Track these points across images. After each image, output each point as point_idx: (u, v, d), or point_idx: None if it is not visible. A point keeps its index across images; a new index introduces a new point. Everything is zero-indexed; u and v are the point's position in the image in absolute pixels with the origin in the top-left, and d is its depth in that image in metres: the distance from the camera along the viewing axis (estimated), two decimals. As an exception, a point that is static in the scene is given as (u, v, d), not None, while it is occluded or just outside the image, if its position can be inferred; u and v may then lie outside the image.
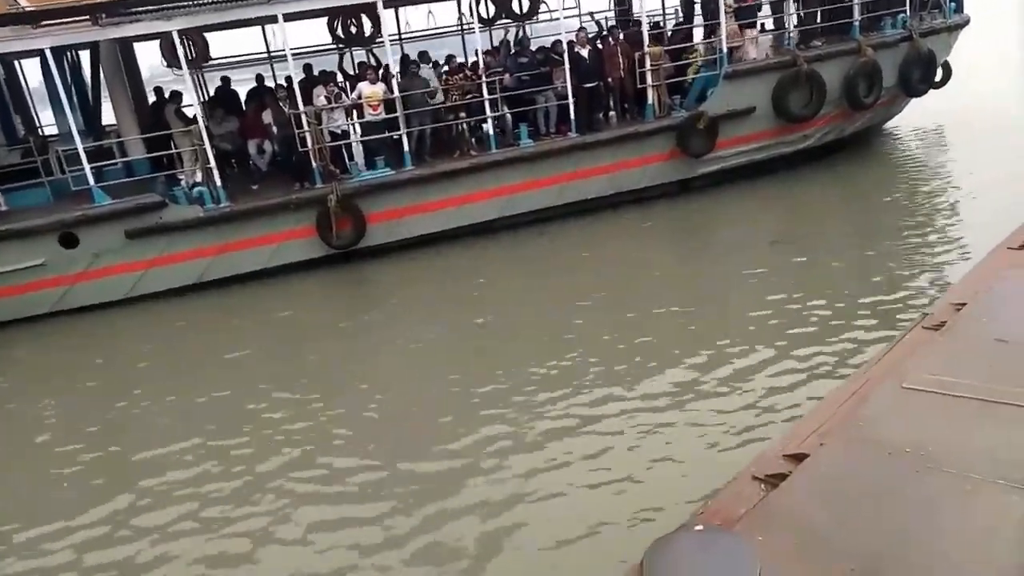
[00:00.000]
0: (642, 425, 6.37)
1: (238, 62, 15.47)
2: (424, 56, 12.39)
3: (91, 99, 11.90)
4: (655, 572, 2.27)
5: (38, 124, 14.26)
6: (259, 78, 14.37)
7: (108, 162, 11.20)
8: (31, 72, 14.39)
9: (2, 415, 8.28)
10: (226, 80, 13.83)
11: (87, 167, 10.41)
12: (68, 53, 12.71)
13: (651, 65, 12.62)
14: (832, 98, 13.34)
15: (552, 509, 5.49)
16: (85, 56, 13.57)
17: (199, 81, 14.57)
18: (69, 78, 11.57)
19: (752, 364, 7.12)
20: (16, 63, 13.42)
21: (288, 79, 11.29)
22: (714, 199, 12.97)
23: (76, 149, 10.49)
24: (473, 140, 12.79)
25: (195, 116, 11.36)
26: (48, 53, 10.04)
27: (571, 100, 12.38)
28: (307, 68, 13.55)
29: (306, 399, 7.65)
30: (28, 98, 14.09)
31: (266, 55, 15.57)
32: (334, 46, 15.68)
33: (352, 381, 8.01)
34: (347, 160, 12.19)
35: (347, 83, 12.87)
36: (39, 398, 8.51)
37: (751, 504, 2.87)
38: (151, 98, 13.49)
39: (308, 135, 11.27)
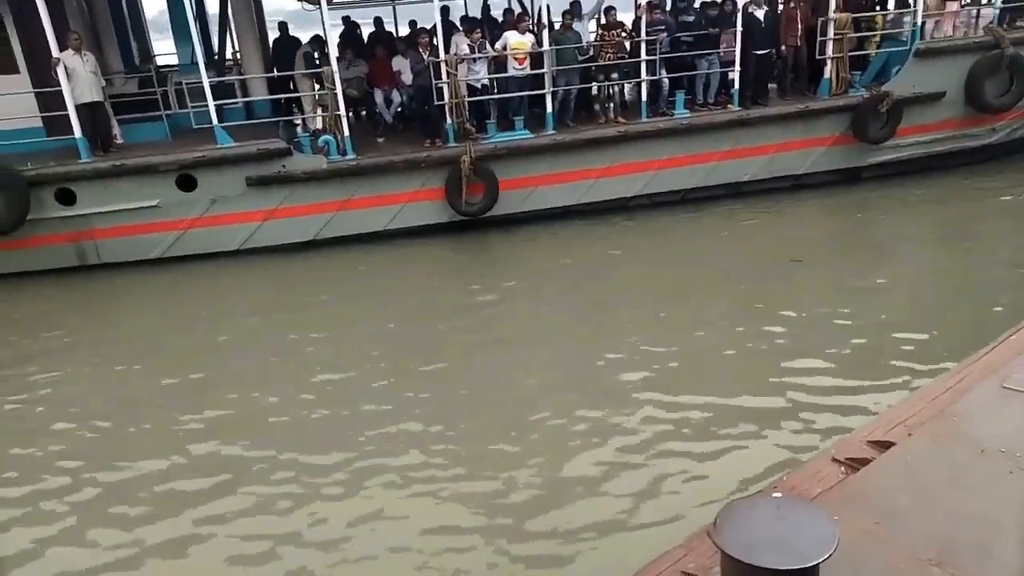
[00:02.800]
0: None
1: (355, 1, 14.33)
2: (576, 7, 11.04)
3: (218, 32, 10.99)
4: (728, 533, 2.13)
5: (153, 54, 13.53)
6: (378, 21, 13.30)
7: (230, 100, 10.28)
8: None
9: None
10: (351, 21, 12.78)
11: (211, 104, 9.53)
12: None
13: (834, 34, 11.01)
14: (1034, 87, 11.54)
15: None
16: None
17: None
18: (194, 6, 10.64)
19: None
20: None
21: (434, 25, 10.11)
22: (883, 194, 11.36)
23: (200, 83, 9.61)
24: (613, 106, 11.45)
25: (325, 57, 10.37)
26: (180, -26, 9.13)
27: (737, 68, 10.92)
28: (411, 23, 12.49)
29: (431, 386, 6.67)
30: (144, 25, 13.34)
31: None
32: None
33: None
34: (482, 119, 10.99)
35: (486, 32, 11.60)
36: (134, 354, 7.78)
37: (829, 485, 2.86)
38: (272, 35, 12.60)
39: (446, 87, 10.14)
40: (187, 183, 9.65)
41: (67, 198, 9.50)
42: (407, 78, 11.17)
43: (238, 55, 12.42)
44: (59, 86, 9.31)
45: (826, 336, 6.95)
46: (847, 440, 3.22)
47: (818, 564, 2.03)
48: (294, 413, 6.32)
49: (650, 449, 5.45)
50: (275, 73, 11.11)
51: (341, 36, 12.07)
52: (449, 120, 10.35)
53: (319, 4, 10.26)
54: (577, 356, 7.03)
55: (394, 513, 4.96)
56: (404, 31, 13.88)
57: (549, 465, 5.36)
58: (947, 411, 3.33)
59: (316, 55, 11.12)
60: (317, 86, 11.05)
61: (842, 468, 2.99)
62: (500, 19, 12.41)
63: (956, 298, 7.83)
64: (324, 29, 10.41)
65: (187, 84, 9.84)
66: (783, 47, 11.20)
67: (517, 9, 12.26)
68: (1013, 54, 11.18)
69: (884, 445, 3.11)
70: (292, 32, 11.97)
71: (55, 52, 9.20)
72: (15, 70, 10.24)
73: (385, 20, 13.70)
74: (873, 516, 2.66)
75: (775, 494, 2.50)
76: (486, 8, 12.59)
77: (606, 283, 8.90)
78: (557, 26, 10.91)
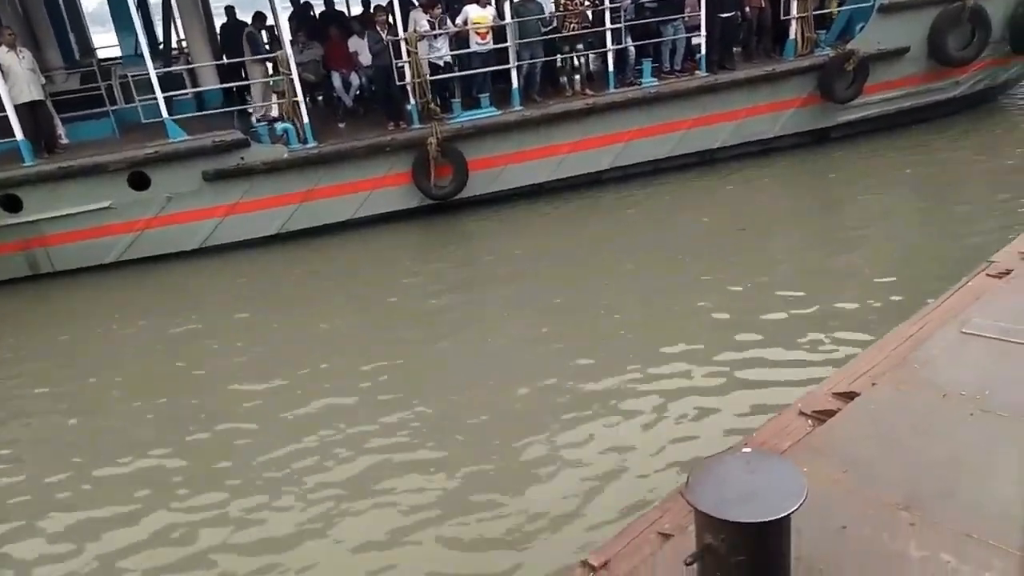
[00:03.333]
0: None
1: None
2: (537, -23, 10.69)
3: (162, 20, 10.41)
4: (700, 491, 2.16)
5: (93, 47, 12.84)
6: (329, 2, 12.81)
7: (179, 92, 9.76)
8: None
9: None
10: (302, 2, 12.26)
11: (160, 97, 9.03)
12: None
13: (798, -7, 10.86)
14: (995, 39, 11.53)
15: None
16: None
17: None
18: (134, -6, 10.05)
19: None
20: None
21: (391, 2, 9.70)
22: (852, 153, 11.28)
23: (146, 75, 9.10)
24: (578, 78, 11.17)
25: (275, 39, 9.90)
26: (117, -41, 8.57)
27: (703, 33, 10.71)
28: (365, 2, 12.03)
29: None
30: (82, 17, 12.64)
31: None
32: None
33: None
34: (446, 98, 10.62)
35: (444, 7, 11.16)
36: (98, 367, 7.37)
37: (797, 438, 2.89)
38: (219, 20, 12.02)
39: (407, 66, 9.75)
40: (140, 181, 9.17)
41: (12, 204, 8.96)
42: (365, 59, 10.74)
43: (184, 44, 11.84)
44: (-7, 86, 8.74)
45: (796, 295, 6.98)
46: (813, 393, 3.25)
47: (789, 515, 2.06)
48: (267, 415, 6.02)
49: (624, 425, 5.37)
50: (224, 60, 10.60)
51: (291, 18, 11.56)
52: (412, 101, 9.98)
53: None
54: (552, 338, 6.83)
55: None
56: (357, 11, 13.43)
57: (521, 440, 5.27)
58: (909, 359, 3.38)
59: (264, 35, 10.65)
60: (271, 71, 10.58)
61: (809, 421, 3.02)
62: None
63: (924, 248, 7.89)
64: (274, 11, 9.94)
65: (133, 77, 9.31)
66: (747, 9, 11.00)
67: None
68: (974, 6, 11.15)
69: (849, 396, 3.14)
70: (240, 17, 11.44)
71: (-13, 50, 8.63)
72: (-56, 71, 9.59)
73: (335, 1, 13.23)
74: (841, 466, 2.70)
75: (745, 450, 2.51)
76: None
77: (580, 260, 8.68)
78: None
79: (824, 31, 11.57)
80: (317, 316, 7.89)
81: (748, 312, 6.74)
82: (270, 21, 11.49)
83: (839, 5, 11.80)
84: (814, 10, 11.20)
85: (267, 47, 11.66)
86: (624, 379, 5.89)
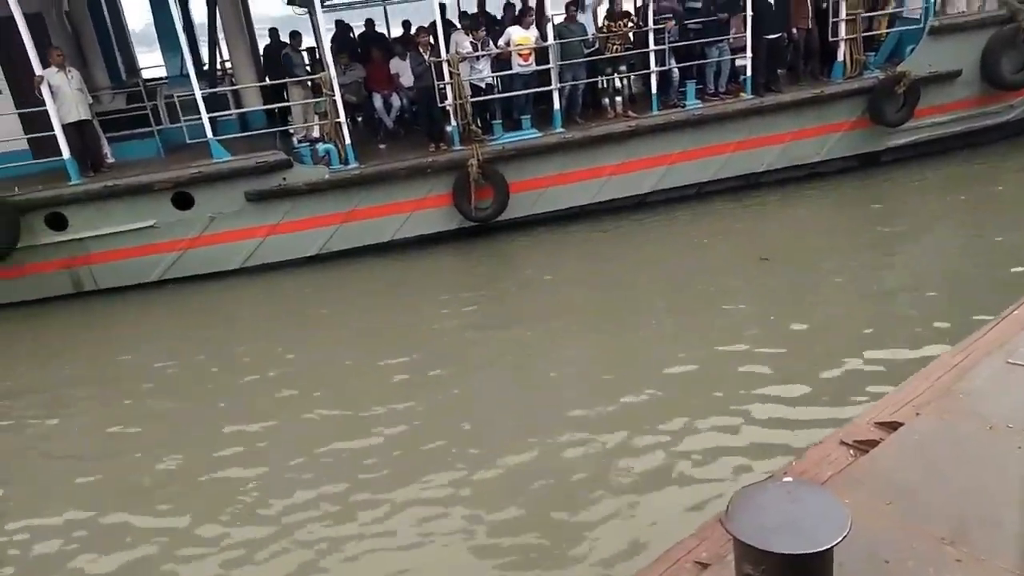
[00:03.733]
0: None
1: (351, 3, 13.87)
2: (580, -1, 10.62)
3: (208, 41, 10.52)
4: (740, 519, 2.06)
5: (139, 68, 13.03)
6: (369, 23, 12.86)
7: (224, 112, 9.80)
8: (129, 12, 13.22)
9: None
10: (342, 24, 12.33)
11: (205, 117, 9.07)
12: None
13: (847, 14, 10.63)
14: (1051, 61, 11.21)
15: None
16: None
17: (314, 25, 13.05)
18: (181, 16, 10.12)
19: None
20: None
21: (432, 23, 9.68)
22: (902, 179, 10.98)
23: (191, 96, 9.17)
24: (621, 100, 11.05)
25: (318, 61, 9.93)
26: (166, -19, 8.66)
27: (749, 54, 10.54)
28: (405, 24, 12.06)
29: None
30: (129, 38, 12.84)
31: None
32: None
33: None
34: (486, 119, 10.53)
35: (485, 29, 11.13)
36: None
37: (838, 468, 2.83)
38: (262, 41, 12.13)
39: (450, 88, 9.71)
40: (184, 201, 9.20)
41: (58, 223, 9.03)
42: (406, 80, 10.75)
43: (227, 64, 11.95)
44: (44, 105, 8.84)
45: (836, 322, 6.80)
46: (854, 423, 3.19)
47: (832, 547, 1.98)
48: (309, 439, 5.90)
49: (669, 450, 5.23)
50: (268, 82, 10.66)
51: (334, 40, 11.62)
52: (454, 122, 9.93)
53: (311, 7, 9.81)
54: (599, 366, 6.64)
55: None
56: (397, 32, 13.48)
57: (566, 460, 5.20)
58: (954, 388, 3.29)
59: (305, 56, 10.71)
60: (310, 92, 10.62)
61: (851, 451, 2.96)
62: (500, 15, 12.00)
63: (970, 276, 7.56)
64: (317, 34, 9.99)
65: (179, 97, 9.36)
66: (794, 30, 10.81)
67: (517, 4, 11.80)
68: (1029, 27, 10.86)
69: (892, 426, 3.07)
70: (283, 39, 11.52)
71: (38, 70, 8.72)
72: (-4, 91, 9.78)
73: (376, 22, 13.28)
74: (884, 498, 2.63)
75: (785, 479, 2.43)
76: (482, 4, 12.15)
77: (622, 286, 8.50)
78: (559, 19, 10.50)
79: (873, 53, 11.32)
80: (352, 343, 7.79)
81: (787, 342, 6.54)
82: (307, 42, 11.60)
83: (888, 26, 11.53)
84: (865, 31, 10.96)
85: (307, 68, 11.73)
86: (663, 406, 5.72)
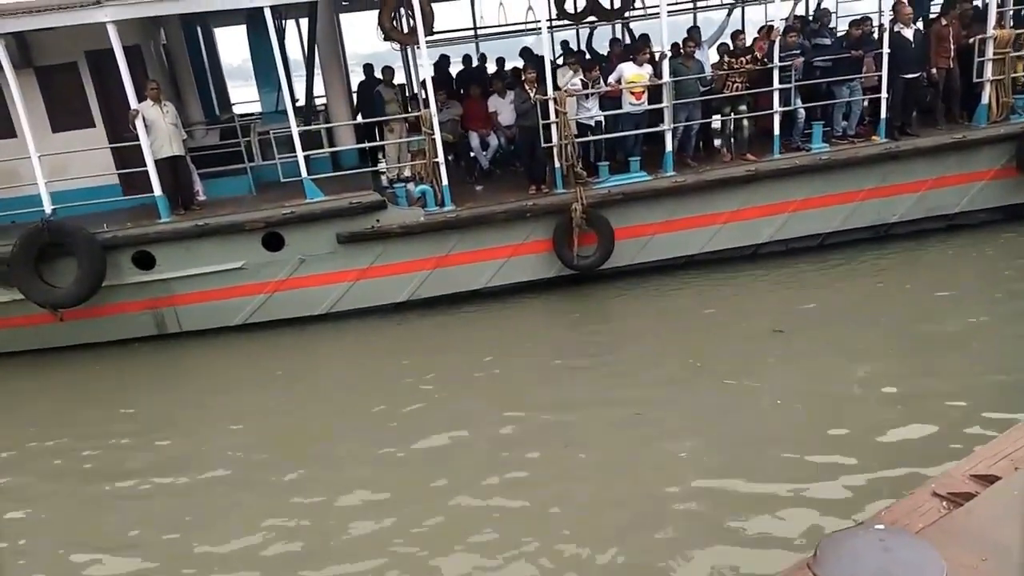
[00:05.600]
0: None
1: (444, 39, 13.43)
2: (696, 33, 9.89)
3: (305, 77, 10.17)
4: (831, 565, 2.03)
5: (231, 103, 12.86)
6: (468, 59, 12.41)
7: (320, 151, 9.35)
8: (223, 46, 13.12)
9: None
10: (443, 59, 11.90)
11: (300, 155, 8.62)
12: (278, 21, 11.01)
13: (994, 53, 9.59)
14: None
15: None
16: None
17: (405, 60, 12.69)
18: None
19: None
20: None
21: (541, 58, 9.08)
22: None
23: (286, 132, 8.76)
24: (735, 142, 10.19)
25: (412, 99, 9.45)
26: (268, 14, 8.25)
27: (884, 94, 9.57)
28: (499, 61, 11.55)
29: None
30: (222, 72, 12.69)
31: (471, 31, 13.48)
32: (565, 22, 13.08)
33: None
34: (589, 161, 9.81)
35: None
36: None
37: (931, 520, 2.73)
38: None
39: (555, 127, 9.04)
40: (274, 242, 8.73)
41: (145, 262, 8.67)
42: (504, 119, 10.18)
43: (318, 101, 11.59)
44: (137, 140, 8.54)
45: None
46: (949, 474, 3.04)
47: None
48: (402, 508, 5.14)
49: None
50: (362, 120, 10.22)
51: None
52: (557, 163, 9.24)
53: (412, 43, 9.34)
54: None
55: None
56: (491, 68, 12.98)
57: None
58: None
59: (395, 91, 10.25)
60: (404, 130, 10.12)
61: (944, 503, 2.83)
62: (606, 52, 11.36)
63: None
64: (409, 70, 9.49)
65: (274, 134, 8.96)
66: (933, 70, 9.80)
67: (623, 39, 11.17)
68: None
69: (989, 479, 2.93)
70: (377, 75, 11.11)
71: (133, 103, 8.43)
72: (91, 123, 9.55)
73: (472, 57, 12.79)
74: (980, 553, 2.51)
75: (877, 527, 2.42)
76: (589, 39, 11.55)
77: (736, 348, 7.55)
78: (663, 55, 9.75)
79: (1022, 96, 10.19)
80: (438, 402, 7.07)
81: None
82: (398, 79, 11.16)
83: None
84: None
85: (399, 104, 11.28)
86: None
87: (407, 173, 10.08)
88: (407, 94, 11.71)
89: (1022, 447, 3.11)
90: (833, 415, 6.00)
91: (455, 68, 12.27)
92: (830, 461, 5.40)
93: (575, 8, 11.80)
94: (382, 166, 11.19)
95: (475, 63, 12.19)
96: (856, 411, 6.07)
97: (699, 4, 13.56)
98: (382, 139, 10.72)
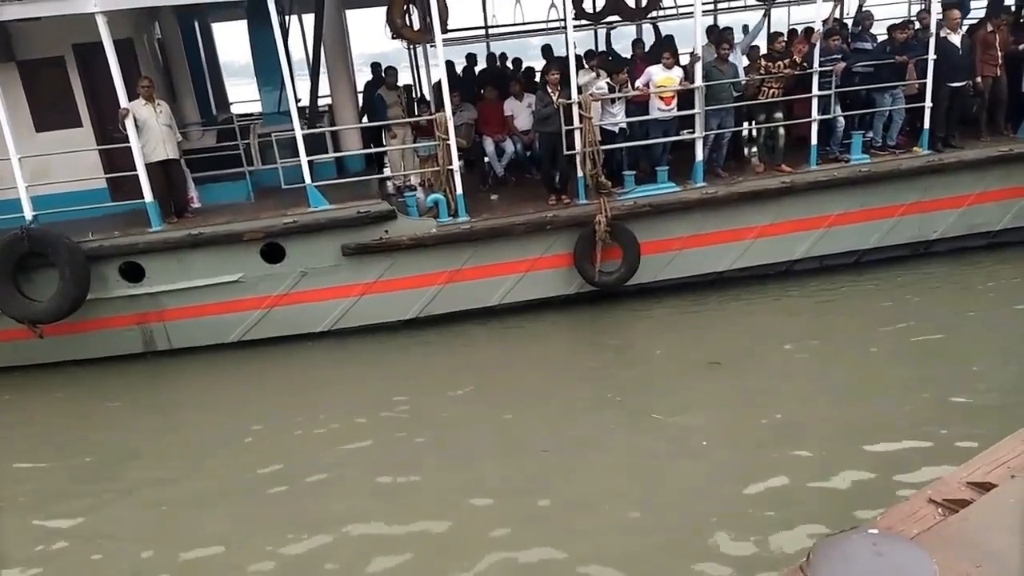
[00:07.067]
0: None
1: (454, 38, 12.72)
2: (729, 35, 9.27)
3: (310, 77, 9.51)
4: (824, 568, 2.10)
5: (229, 103, 12.19)
6: (491, 58, 11.76)
7: (322, 156, 8.69)
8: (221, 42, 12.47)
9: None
10: (469, 58, 11.29)
11: (304, 160, 7.97)
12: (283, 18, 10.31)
13: (1046, 61, 9.02)
14: None
15: None
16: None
17: (413, 60, 12.03)
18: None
19: None
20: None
21: (565, 59, 8.43)
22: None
23: (289, 134, 8.10)
24: (769, 151, 9.56)
25: (415, 102, 8.81)
26: (271, 4, 7.59)
27: (928, 103, 8.98)
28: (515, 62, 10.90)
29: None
30: (220, 69, 12.02)
31: (482, 30, 12.77)
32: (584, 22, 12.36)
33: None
34: (613, 170, 9.17)
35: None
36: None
37: (926, 526, 2.75)
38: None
39: (579, 134, 8.41)
40: (274, 254, 8.07)
41: (134, 274, 7.99)
42: (521, 123, 9.55)
43: (321, 102, 10.93)
44: (127, 141, 7.86)
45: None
46: (944, 481, 3.05)
47: None
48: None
49: None
50: (368, 122, 9.57)
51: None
52: (580, 172, 8.60)
53: (424, 41, 8.69)
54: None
55: None
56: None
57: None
58: None
59: (398, 94, 9.61)
60: (410, 135, 9.47)
61: (939, 509, 2.81)
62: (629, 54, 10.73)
63: None
64: (417, 71, 8.86)
65: (276, 136, 8.29)
66: (979, 79, 9.21)
67: (647, 40, 10.52)
68: None
69: (985, 487, 2.92)
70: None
71: (123, 101, 7.74)
72: (77, 123, 8.87)
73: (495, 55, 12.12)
74: (974, 560, 2.48)
75: (871, 531, 2.43)
76: (608, 40, 10.92)
77: (770, 378, 6.91)
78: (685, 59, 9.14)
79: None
80: (445, 435, 6.42)
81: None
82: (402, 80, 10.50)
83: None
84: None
85: (403, 108, 10.63)
86: None
87: (413, 180, 9.46)
88: (413, 96, 11.08)
89: (1019, 455, 3.13)
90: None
91: (474, 69, 11.61)
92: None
93: (594, 7, 11.13)
94: (388, 172, 10.55)
95: (496, 64, 11.53)
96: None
97: (732, 4, 12.94)
98: (385, 144, 10.09)
